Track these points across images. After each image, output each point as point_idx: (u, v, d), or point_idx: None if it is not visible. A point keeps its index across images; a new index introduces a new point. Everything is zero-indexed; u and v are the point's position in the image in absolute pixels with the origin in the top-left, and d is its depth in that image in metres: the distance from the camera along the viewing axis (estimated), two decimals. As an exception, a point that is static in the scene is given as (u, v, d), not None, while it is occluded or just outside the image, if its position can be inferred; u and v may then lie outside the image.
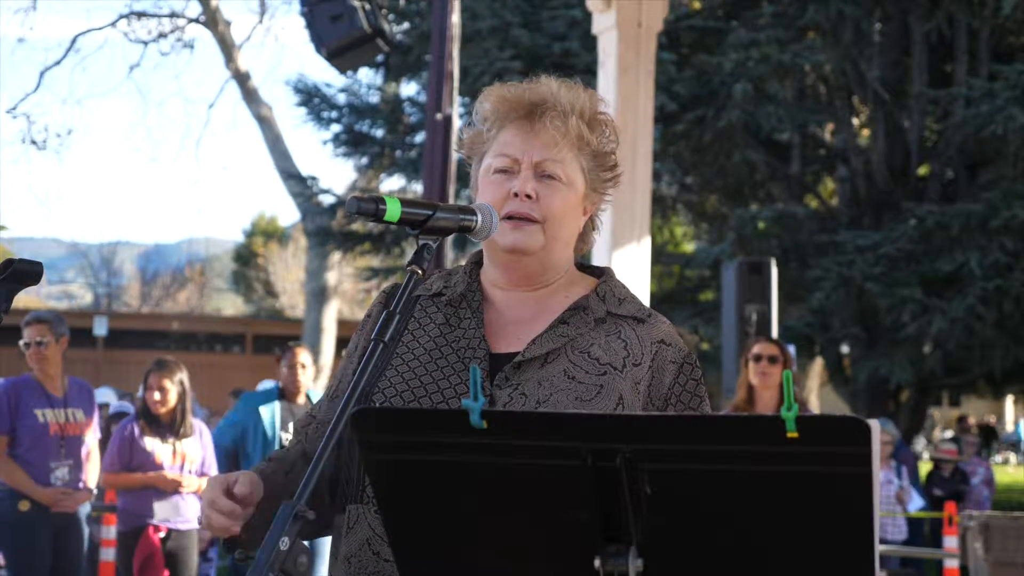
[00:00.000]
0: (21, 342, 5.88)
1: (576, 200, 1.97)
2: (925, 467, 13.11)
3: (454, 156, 7.30)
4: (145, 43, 21.51)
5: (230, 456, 6.75)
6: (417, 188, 17.72)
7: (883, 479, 9.21)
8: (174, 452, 6.15)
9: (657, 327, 1.97)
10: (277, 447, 6.45)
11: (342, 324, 21.64)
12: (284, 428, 6.50)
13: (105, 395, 11.51)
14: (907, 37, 15.28)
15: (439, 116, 7.44)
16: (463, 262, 2.12)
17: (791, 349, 10.18)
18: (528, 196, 1.92)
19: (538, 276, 1.98)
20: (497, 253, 1.97)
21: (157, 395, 6.11)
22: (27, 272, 1.85)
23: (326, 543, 2.00)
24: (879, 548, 8.38)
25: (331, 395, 2.05)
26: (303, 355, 6.67)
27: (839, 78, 15.78)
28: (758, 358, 5.16)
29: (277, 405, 6.55)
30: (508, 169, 1.95)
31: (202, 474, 6.27)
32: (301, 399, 6.64)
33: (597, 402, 1.86)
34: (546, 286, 2.00)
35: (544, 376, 1.88)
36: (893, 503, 9.24)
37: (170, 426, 6.16)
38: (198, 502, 6.34)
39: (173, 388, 6.13)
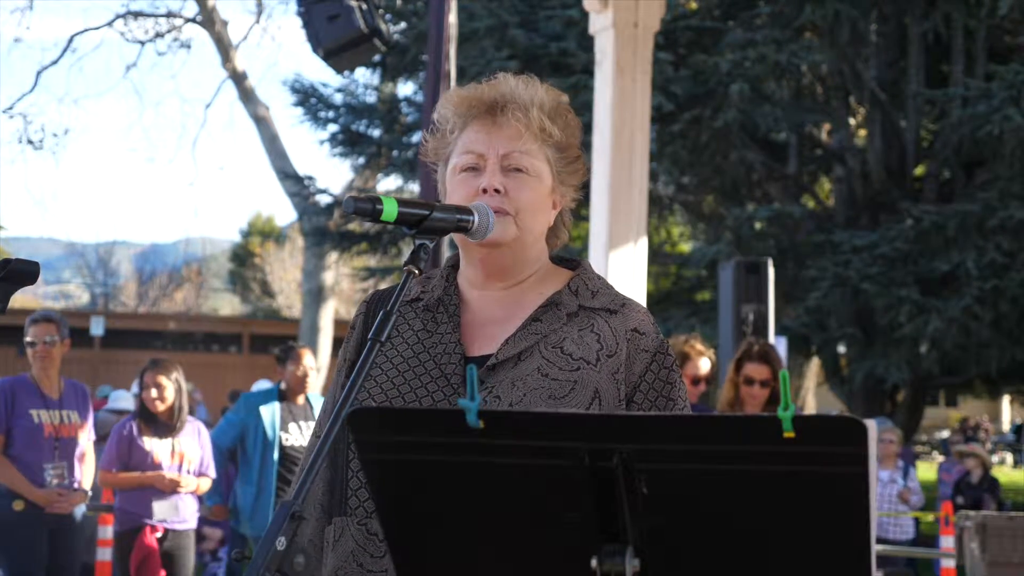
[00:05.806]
0: (27, 339, 5.83)
1: (544, 192, 1.97)
2: (923, 467, 13.10)
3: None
4: (142, 43, 21.48)
5: (229, 457, 6.74)
6: (414, 188, 17.70)
7: (887, 479, 9.17)
8: (172, 451, 6.14)
9: (631, 316, 1.96)
10: (277, 448, 6.45)
11: (339, 324, 21.60)
12: (284, 428, 6.49)
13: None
14: (904, 37, 15.27)
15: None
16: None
17: (783, 342, 10.17)
18: (497, 190, 1.91)
19: (511, 269, 1.98)
20: (472, 249, 1.96)
21: (154, 392, 6.10)
22: (24, 272, 1.84)
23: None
24: (883, 548, 8.33)
25: (329, 411, 2.05)
26: (308, 358, 6.63)
27: (836, 78, 15.79)
28: (750, 381, 5.09)
29: (277, 406, 6.54)
30: (474, 166, 1.95)
31: (200, 474, 6.26)
32: (300, 399, 6.63)
33: (571, 398, 1.86)
34: (520, 282, 1.99)
35: (517, 376, 1.88)
36: (896, 503, 9.20)
37: (168, 424, 6.14)
38: (196, 502, 6.33)
39: (170, 385, 6.12)
